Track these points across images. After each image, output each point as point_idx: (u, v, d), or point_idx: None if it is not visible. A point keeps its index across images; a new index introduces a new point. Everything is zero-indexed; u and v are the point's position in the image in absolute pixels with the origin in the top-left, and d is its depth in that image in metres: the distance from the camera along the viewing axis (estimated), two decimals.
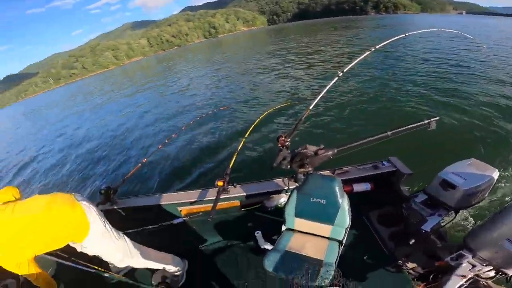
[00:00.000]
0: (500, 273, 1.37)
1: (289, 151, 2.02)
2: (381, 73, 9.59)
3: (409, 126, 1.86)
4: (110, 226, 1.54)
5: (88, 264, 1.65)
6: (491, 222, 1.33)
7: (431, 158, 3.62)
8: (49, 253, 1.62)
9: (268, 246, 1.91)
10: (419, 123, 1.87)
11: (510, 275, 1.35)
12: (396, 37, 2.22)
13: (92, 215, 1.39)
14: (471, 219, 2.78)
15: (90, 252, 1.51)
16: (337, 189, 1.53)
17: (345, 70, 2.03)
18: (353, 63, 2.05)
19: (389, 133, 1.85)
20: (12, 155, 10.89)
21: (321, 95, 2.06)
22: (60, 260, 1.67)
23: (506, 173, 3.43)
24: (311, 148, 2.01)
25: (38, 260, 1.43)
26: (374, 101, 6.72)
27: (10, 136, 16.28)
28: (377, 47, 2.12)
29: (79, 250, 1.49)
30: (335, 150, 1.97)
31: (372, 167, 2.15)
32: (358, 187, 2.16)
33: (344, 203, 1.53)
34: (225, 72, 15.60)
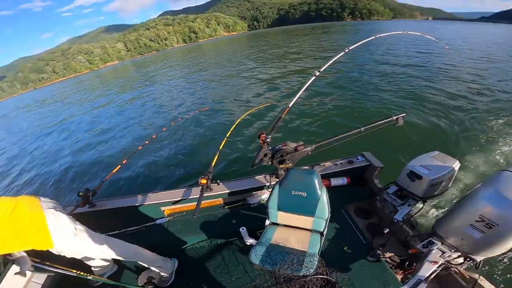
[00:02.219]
0: (468, 259, 1.42)
1: (270, 148, 2.06)
2: (355, 74, 10.13)
3: (380, 122, 1.95)
4: (87, 228, 1.49)
5: (67, 268, 1.56)
6: (453, 211, 1.40)
7: (400, 151, 3.86)
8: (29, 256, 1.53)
9: (253, 242, 1.93)
10: (388, 119, 1.96)
11: (478, 261, 1.40)
12: (367, 39, 2.38)
13: (58, 221, 1.31)
14: (439, 208, 2.99)
15: (68, 255, 1.46)
16: (316, 181, 1.58)
17: (321, 70, 2.14)
18: (328, 64, 2.18)
19: (362, 128, 1.93)
20: None
21: (299, 93, 2.13)
22: (38, 265, 1.57)
23: (466, 164, 3.74)
24: (291, 145, 2.06)
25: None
26: (349, 99, 7.06)
27: None
28: (350, 48, 2.24)
29: (56, 253, 1.42)
30: (313, 146, 2.04)
31: (348, 162, 2.24)
32: (336, 181, 2.25)
33: (323, 195, 1.58)
34: (205, 75, 15.54)
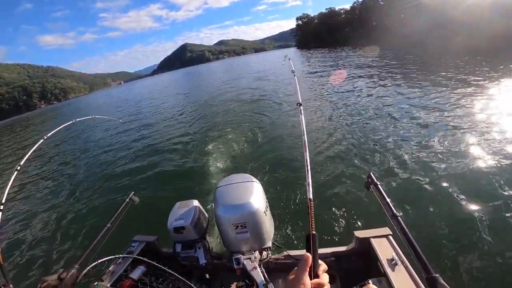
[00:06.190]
0: (266, 249, 1.66)
1: None
2: (70, 160, 9.86)
3: (121, 208, 1.94)
4: None
5: None
6: (220, 231, 1.62)
7: (159, 220, 2.78)
8: None
9: None
10: (125, 202, 2.00)
11: (270, 245, 1.67)
12: (63, 125, 2.67)
13: None
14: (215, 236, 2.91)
15: None
16: None
17: (22, 163, 2.13)
18: (28, 154, 2.25)
19: (109, 225, 1.78)
20: None
21: (7, 190, 1.91)
22: None
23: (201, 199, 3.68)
24: (51, 278, 1.51)
25: None
26: (83, 191, 6.38)
27: None
28: (48, 135, 2.42)
29: None
30: (76, 266, 1.52)
31: (128, 253, 2.02)
32: (135, 274, 1.85)
33: None
34: None
